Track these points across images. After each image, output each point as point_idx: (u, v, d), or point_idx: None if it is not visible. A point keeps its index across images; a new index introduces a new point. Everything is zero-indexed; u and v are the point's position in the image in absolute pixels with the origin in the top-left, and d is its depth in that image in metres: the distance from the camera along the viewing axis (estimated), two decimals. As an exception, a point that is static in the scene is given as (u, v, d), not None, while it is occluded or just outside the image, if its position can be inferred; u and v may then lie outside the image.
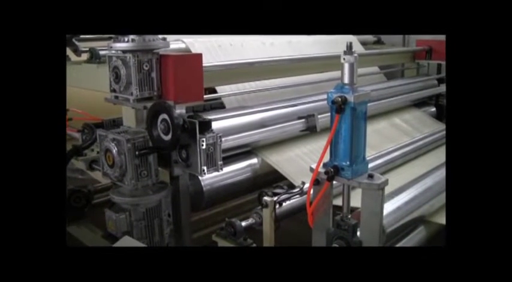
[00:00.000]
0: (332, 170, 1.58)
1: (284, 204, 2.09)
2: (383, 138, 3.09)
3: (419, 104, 3.75)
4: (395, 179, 2.28)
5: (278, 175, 2.44)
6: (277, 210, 2.06)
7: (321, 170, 1.61)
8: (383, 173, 2.55)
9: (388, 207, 1.83)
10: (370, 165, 2.41)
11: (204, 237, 2.53)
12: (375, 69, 3.74)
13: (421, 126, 3.37)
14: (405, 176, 2.27)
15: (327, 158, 1.63)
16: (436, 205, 2.07)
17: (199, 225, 3.04)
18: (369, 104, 2.96)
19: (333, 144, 1.60)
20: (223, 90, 2.64)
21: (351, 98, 1.53)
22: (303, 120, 2.52)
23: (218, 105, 2.78)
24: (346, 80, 1.57)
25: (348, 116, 1.55)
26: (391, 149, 2.42)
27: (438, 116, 3.81)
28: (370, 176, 1.58)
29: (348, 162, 1.57)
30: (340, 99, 1.53)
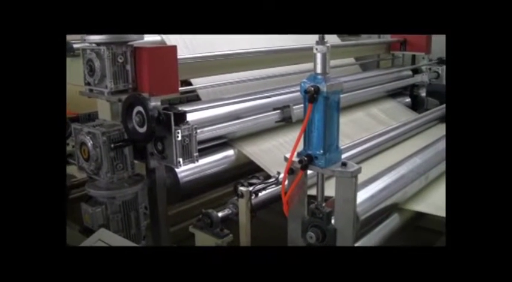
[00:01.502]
0: (306, 159, 1.59)
1: (260, 194, 2.11)
2: (359, 128, 3.13)
3: (394, 94, 3.80)
4: (370, 168, 2.31)
5: (255, 166, 2.45)
6: (253, 201, 2.07)
7: (295, 159, 1.63)
8: (359, 162, 2.59)
9: (362, 195, 1.85)
10: (346, 154, 2.46)
11: (182, 231, 2.53)
12: (351, 60, 3.78)
13: (397, 116, 3.42)
14: (380, 165, 2.29)
15: (301, 148, 1.64)
16: (409, 192, 2.10)
17: (177, 219, 3.05)
18: (344, 95, 3.05)
19: (307, 134, 1.61)
20: (198, 82, 2.64)
21: (323, 87, 1.54)
22: (278, 111, 2.54)
23: (194, 98, 2.79)
24: (318, 70, 1.58)
25: (320, 106, 1.56)
26: (365, 138, 2.44)
27: (413, 106, 3.86)
28: (344, 164, 1.60)
29: (321, 151, 1.59)
30: (312, 88, 1.54)
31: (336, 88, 1.58)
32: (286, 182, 1.69)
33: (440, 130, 3.13)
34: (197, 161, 2.10)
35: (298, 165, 1.61)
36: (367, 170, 2.18)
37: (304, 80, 1.59)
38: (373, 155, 2.79)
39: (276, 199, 2.12)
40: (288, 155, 1.65)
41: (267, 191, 2.13)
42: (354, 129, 3.08)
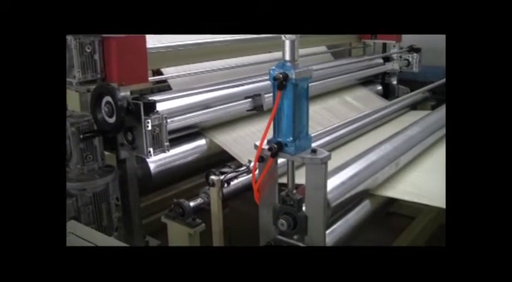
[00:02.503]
0: (275, 146, 1.59)
1: (232, 183, 2.11)
2: (332, 116, 3.15)
3: (366, 82, 3.82)
4: (342, 155, 2.33)
5: (227, 155, 2.45)
6: (225, 190, 2.07)
7: (265, 146, 1.62)
8: (331, 150, 2.60)
9: (333, 181, 1.86)
10: (318, 142, 2.47)
11: (156, 222, 2.52)
12: (323, 48, 3.78)
13: (368, 104, 3.44)
14: (352, 153, 2.30)
15: (271, 135, 1.64)
16: (380, 178, 2.12)
17: (151, 210, 3.04)
18: (316, 83, 3.06)
19: (276, 121, 1.61)
20: (169, 72, 2.62)
21: (292, 74, 1.54)
22: (250, 99, 2.53)
23: (166, 88, 2.76)
24: (287, 57, 1.58)
25: (289, 93, 1.56)
26: (336, 125, 2.45)
27: (384, 94, 3.89)
28: (314, 151, 1.60)
29: (291, 138, 1.59)
30: (281, 75, 1.54)
31: (305, 75, 1.58)
32: (256, 170, 1.69)
33: (411, 117, 3.16)
34: (168, 150, 2.09)
35: (268, 153, 1.61)
36: (339, 157, 2.21)
37: (273, 67, 1.59)
38: (345, 143, 2.82)
39: (248, 188, 2.12)
40: (258, 143, 1.65)
41: (239, 179, 2.13)
42: (327, 116, 3.10)
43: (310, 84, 2.97)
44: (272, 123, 1.62)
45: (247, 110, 2.55)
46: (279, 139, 1.61)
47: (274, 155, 1.61)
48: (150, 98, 2.03)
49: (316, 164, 1.57)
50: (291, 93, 1.56)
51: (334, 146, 2.71)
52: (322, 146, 2.53)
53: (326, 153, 1.59)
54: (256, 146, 1.66)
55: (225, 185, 2.07)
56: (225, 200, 2.10)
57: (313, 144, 2.36)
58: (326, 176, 1.59)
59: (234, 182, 2.13)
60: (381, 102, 3.58)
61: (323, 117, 3.11)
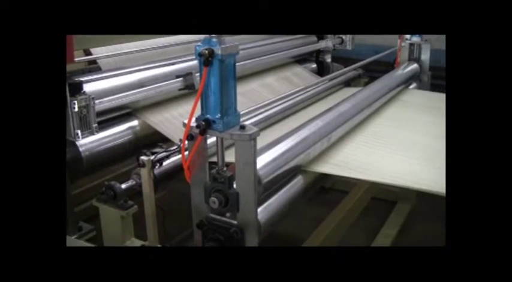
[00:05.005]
0: (203, 123, 1.58)
1: (164, 163, 2.08)
2: (268, 93, 3.15)
3: (300, 60, 3.84)
4: (277, 132, 2.34)
5: (161, 136, 2.41)
6: (158, 170, 2.04)
7: (193, 124, 1.60)
8: (265, 128, 2.62)
9: (264, 158, 1.86)
10: (252, 120, 2.47)
11: (90, 209, 2.46)
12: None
13: (304, 82, 3.47)
14: (286, 129, 2.31)
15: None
16: (312, 154, 2.14)
17: (86, 196, 2.98)
18: (250, 60, 3.05)
19: (204, 98, 1.59)
20: (98, 52, 2.54)
21: (218, 50, 1.52)
22: (181, 78, 2.50)
23: (97, 69, 2.68)
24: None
25: (216, 69, 1.54)
26: (268, 101, 2.44)
27: (319, 72, 3.93)
28: (242, 128, 1.60)
29: (219, 115, 1.57)
30: (207, 51, 1.51)
31: (231, 51, 1.56)
32: (186, 148, 1.67)
33: (345, 94, 3.20)
34: (97, 132, 2.04)
35: (197, 131, 1.59)
36: (274, 134, 2.22)
37: (199, 44, 1.56)
38: (280, 120, 2.83)
39: (181, 168, 2.09)
40: (186, 121, 1.63)
41: (171, 159, 2.10)
42: (264, 93, 3.10)
43: (246, 62, 3.01)
44: (200, 100, 1.60)
45: (179, 89, 2.51)
46: (207, 116, 1.60)
47: (203, 132, 1.59)
48: (76, 79, 1.97)
49: (244, 141, 1.56)
50: (218, 69, 1.54)
51: (269, 123, 2.72)
52: (257, 123, 2.54)
53: (254, 129, 1.58)
54: (184, 124, 1.64)
55: (157, 165, 2.04)
56: (159, 181, 2.07)
57: (248, 122, 2.39)
58: (255, 152, 1.59)
59: (166, 162, 2.10)
60: (316, 80, 3.60)
61: (261, 94, 3.12)
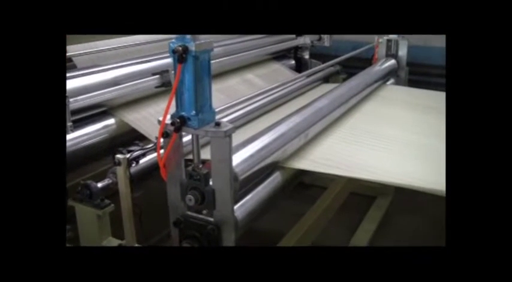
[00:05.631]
0: (178, 121, 1.57)
1: (141, 161, 2.06)
2: (248, 89, 3.15)
3: (279, 57, 3.84)
4: (254, 129, 2.33)
5: (138, 134, 2.39)
6: (134, 168, 2.03)
7: (168, 121, 1.59)
8: (243, 125, 2.61)
9: (241, 155, 1.86)
10: (230, 117, 2.46)
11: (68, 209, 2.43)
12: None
13: (281, 78, 3.46)
14: (264, 126, 2.31)
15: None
16: (289, 150, 2.14)
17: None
18: (228, 57, 3.04)
19: (178, 95, 1.58)
20: (73, 50, 2.51)
21: (192, 46, 1.51)
22: (157, 76, 2.48)
23: (72, 67, 2.65)
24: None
25: (190, 65, 1.53)
26: (245, 98, 2.43)
27: (297, 68, 3.93)
28: (217, 124, 1.59)
29: (194, 112, 1.56)
30: (180, 48, 1.50)
31: (206, 47, 1.55)
32: (162, 147, 1.66)
33: (323, 90, 3.21)
34: (72, 131, 2.02)
35: (172, 128, 1.58)
36: (252, 131, 2.21)
37: (173, 40, 1.55)
38: (258, 117, 2.82)
39: (158, 166, 2.08)
40: (161, 119, 1.61)
41: (148, 157, 2.09)
42: (242, 91, 3.09)
43: (223, 58, 3.00)
44: (174, 97, 1.59)
45: (156, 87, 2.49)
46: (182, 113, 1.59)
47: (178, 129, 1.58)
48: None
49: (219, 137, 1.56)
50: (192, 66, 1.53)
51: (248, 119, 2.72)
52: (235, 119, 2.54)
53: (230, 126, 1.58)
54: (159, 122, 1.63)
55: (134, 163, 2.02)
56: (137, 179, 2.06)
57: (227, 118, 2.39)
58: (231, 148, 1.58)
59: (143, 161, 2.08)
60: (294, 77, 3.61)
61: (240, 91, 3.11)
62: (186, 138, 1.73)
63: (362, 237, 3.38)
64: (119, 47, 2.68)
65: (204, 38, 1.56)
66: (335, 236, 3.44)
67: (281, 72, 3.61)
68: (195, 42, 1.51)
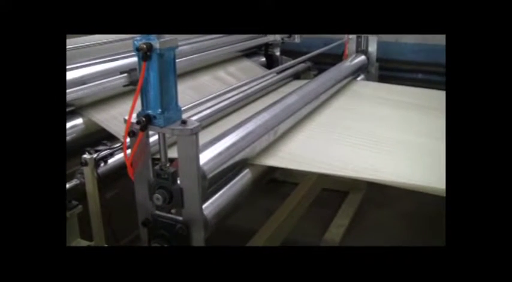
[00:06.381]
0: (144, 119, 1.55)
1: (110, 161, 2.04)
2: (216, 88, 3.13)
3: (249, 54, 3.83)
4: (224, 127, 2.32)
5: (107, 134, 2.36)
6: (103, 168, 2.01)
7: (134, 120, 1.58)
8: (212, 123, 2.61)
9: (210, 153, 1.85)
10: (199, 115, 2.45)
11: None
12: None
13: (252, 75, 3.45)
14: (234, 124, 2.30)
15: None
16: (258, 147, 2.13)
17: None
18: (197, 55, 3.02)
19: (144, 93, 1.57)
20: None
21: (156, 44, 1.50)
22: (125, 74, 2.45)
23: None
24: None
25: (155, 63, 1.52)
26: (214, 95, 2.42)
27: (268, 65, 3.93)
28: (184, 122, 1.58)
29: (159, 110, 1.55)
30: (145, 46, 1.49)
31: (170, 44, 1.54)
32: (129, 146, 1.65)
33: (294, 86, 3.21)
34: (37, 131, 1.98)
35: (138, 127, 1.57)
36: (222, 129, 2.20)
37: (137, 38, 1.53)
38: (228, 114, 2.82)
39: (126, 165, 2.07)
40: (127, 117, 1.60)
41: (117, 157, 2.06)
42: (214, 88, 3.08)
43: (193, 56, 2.98)
44: (140, 95, 1.58)
45: (124, 86, 2.46)
46: (148, 112, 1.57)
47: (143, 128, 1.57)
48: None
49: (186, 135, 1.55)
50: (157, 64, 1.52)
51: (218, 117, 2.70)
52: (205, 117, 2.53)
53: (196, 124, 1.57)
54: (125, 120, 1.61)
55: (102, 163, 2.00)
56: (109, 179, 2.04)
57: (197, 116, 2.38)
58: (197, 146, 1.57)
59: (112, 160, 2.06)
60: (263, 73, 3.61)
61: (211, 88, 3.09)
62: (156, 137, 1.71)
63: (335, 233, 3.41)
64: (87, 46, 2.65)
65: (169, 36, 1.55)
66: (308, 232, 3.46)
67: (252, 70, 3.60)
68: (159, 40, 1.50)
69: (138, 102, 1.60)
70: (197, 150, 1.57)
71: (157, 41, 1.50)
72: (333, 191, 3.98)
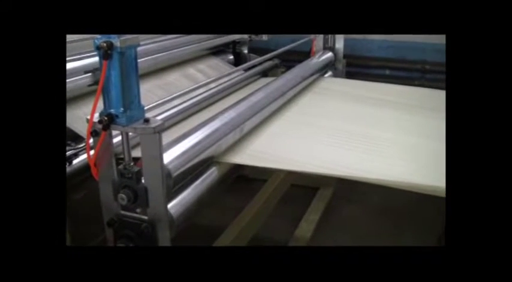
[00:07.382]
0: (106, 118, 1.54)
1: (75, 161, 2.02)
2: (184, 87, 3.11)
3: (217, 52, 3.82)
4: (191, 125, 2.31)
5: (72, 134, 2.33)
6: (68, 169, 1.99)
7: (96, 119, 1.57)
8: (180, 121, 2.59)
9: (175, 151, 1.84)
10: (165, 114, 2.44)
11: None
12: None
13: (219, 73, 3.45)
14: (200, 122, 2.30)
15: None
16: (224, 145, 2.13)
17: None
18: (164, 53, 3.00)
19: (105, 92, 1.56)
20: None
21: (117, 42, 1.49)
22: (90, 74, 2.42)
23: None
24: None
25: (116, 62, 1.51)
26: (179, 94, 2.40)
27: (236, 63, 3.93)
28: (146, 121, 1.57)
29: (122, 109, 1.54)
30: (105, 44, 1.48)
31: (131, 43, 1.53)
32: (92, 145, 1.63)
33: (261, 83, 3.22)
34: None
35: (100, 126, 1.56)
36: (189, 127, 2.19)
37: (97, 37, 1.52)
38: (195, 112, 2.81)
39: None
40: (88, 117, 1.59)
41: (81, 158, 2.04)
42: (182, 87, 3.07)
43: (158, 55, 2.96)
44: (102, 95, 1.57)
45: (88, 85, 2.44)
46: (110, 111, 1.56)
47: (106, 127, 1.56)
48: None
49: (149, 134, 1.54)
50: (118, 62, 1.51)
51: (185, 115, 2.69)
52: (172, 116, 2.52)
53: (159, 122, 1.56)
54: (87, 120, 1.60)
55: (67, 164, 1.98)
56: (79, 180, 2.02)
57: (163, 115, 2.36)
58: (161, 145, 1.57)
59: (76, 161, 2.04)
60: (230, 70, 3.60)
61: (180, 87, 3.07)
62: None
63: (306, 229, 3.43)
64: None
65: (129, 34, 1.54)
66: (278, 229, 3.47)
67: (219, 67, 3.59)
68: (120, 38, 1.49)
69: (101, 102, 1.59)
70: (161, 149, 1.57)
71: (117, 40, 1.49)
72: (303, 186, 4.00)
